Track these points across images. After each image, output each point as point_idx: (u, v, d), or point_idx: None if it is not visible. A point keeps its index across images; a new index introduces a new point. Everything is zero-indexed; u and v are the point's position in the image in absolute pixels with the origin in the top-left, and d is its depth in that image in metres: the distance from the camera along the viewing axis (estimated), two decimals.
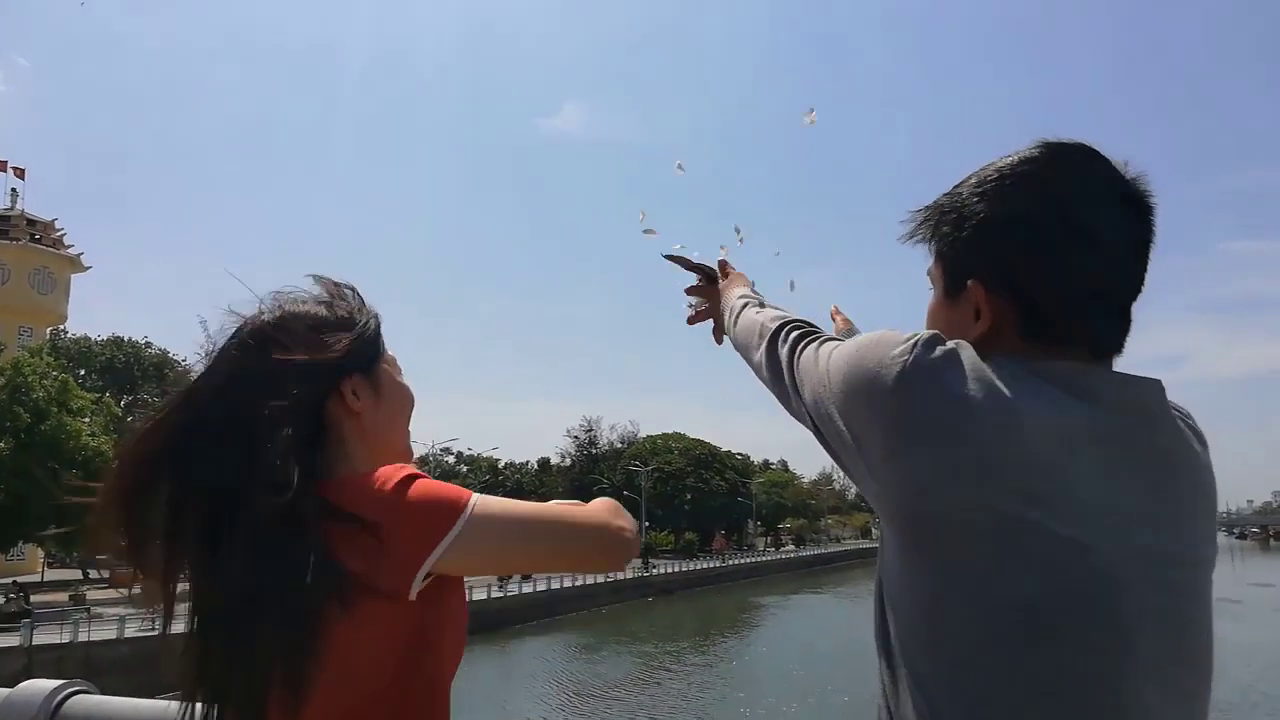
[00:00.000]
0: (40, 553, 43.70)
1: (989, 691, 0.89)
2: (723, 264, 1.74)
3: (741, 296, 1.52)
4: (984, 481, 0.89)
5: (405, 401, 1.26)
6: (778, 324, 1.28)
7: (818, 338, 1.18)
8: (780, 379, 1.21)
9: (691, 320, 1.77)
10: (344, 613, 0.99)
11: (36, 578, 40.63)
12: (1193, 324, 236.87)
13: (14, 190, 50.95)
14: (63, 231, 52.58)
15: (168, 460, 1.08)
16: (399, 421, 1.25)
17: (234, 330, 1.16)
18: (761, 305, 1.46)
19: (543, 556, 1.15)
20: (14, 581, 30.00)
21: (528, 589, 42.18)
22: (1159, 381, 0.99)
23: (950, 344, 0.97)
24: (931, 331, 0.99)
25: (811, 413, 1.10)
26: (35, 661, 22.06)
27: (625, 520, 1.18)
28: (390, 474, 1.06)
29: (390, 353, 1.26)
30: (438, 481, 1.07)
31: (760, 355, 1.29)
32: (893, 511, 0.97)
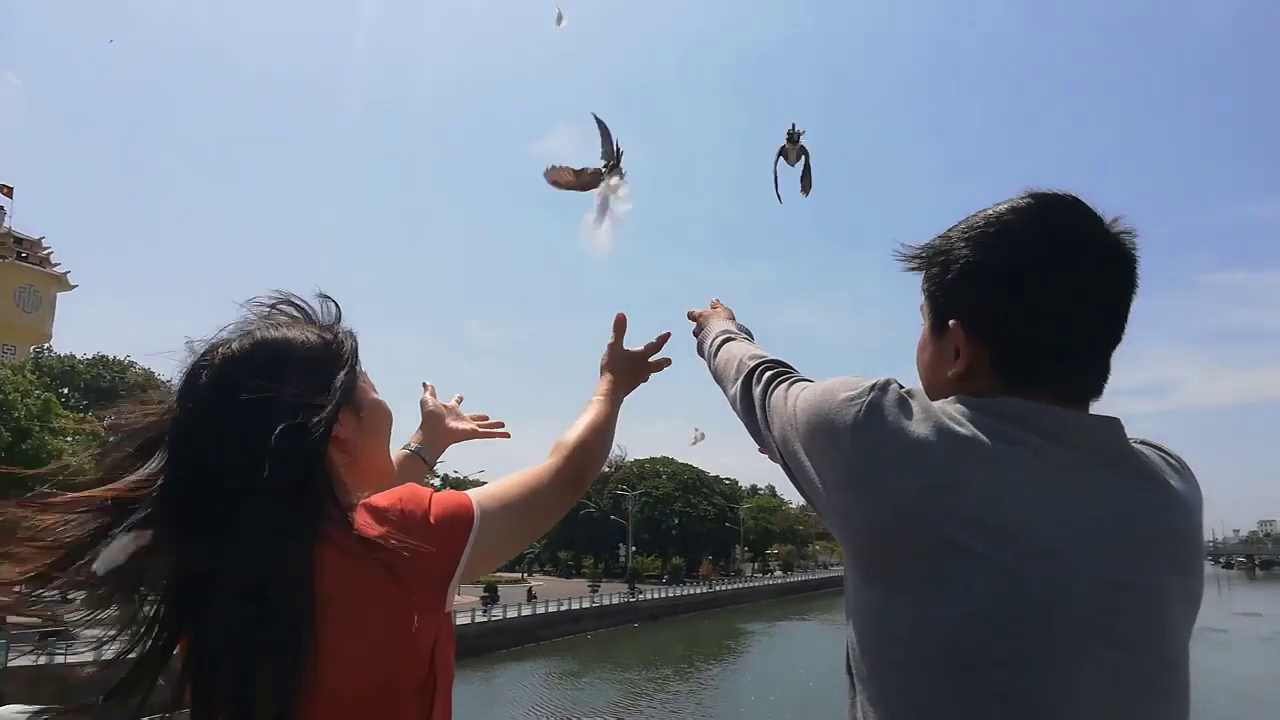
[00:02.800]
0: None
1: (931, 715, 0.94)
2: (714, 303, 1.79)
3: (724, 331, 1.60)
4: (930, 511, 0.95)
5: (385, 419, 1.25)
6: (755, 362, 1.35)
7: (789, 378, 1.26)
8: (752, 414, 1.29)
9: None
10: (388, 635, 1.02)
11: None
12: (1177, 354, 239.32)
13: (1, 208, 50.78)
14: (50, 250, 52.33)
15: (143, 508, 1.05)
16: (381, 441, 1.24)
17: (203, 360, 1.11)
18: (743, 340, 1.54)
19: (539, 524, 1.26)
20: None
21: (512, 614, 41.81)
22: (1116, 419, 1.03)
23: (904, 388, 1.05)
24: (887, 377, 1.06)
25: (779, 448, 1.18)
26: (8, 684, 21.68)
27: (574, 457, 1.34)
28: (404, 495, 1.09)
29: (362, 369, 1.23)
30: (443, 493, 1.13)
31: (736, 390, 1.37)
32: (850, 542, 1.05)
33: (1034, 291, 1.04)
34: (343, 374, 1.15)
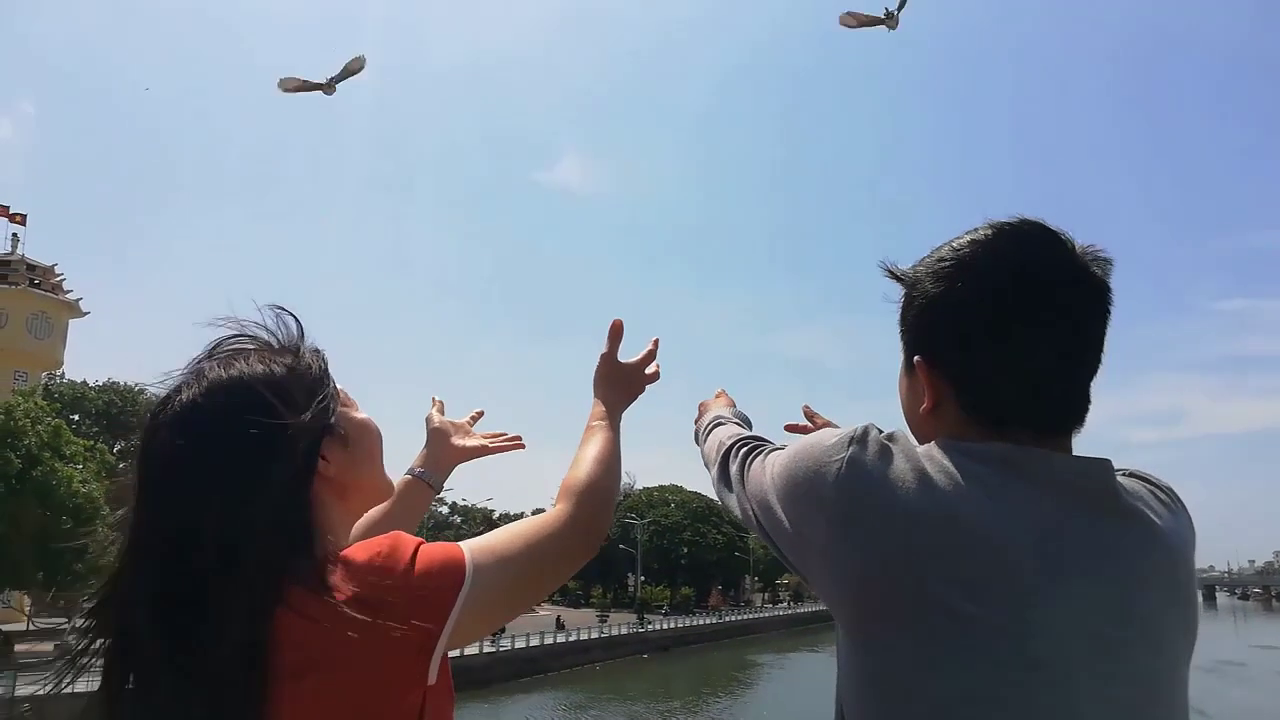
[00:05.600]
0: (27, 600, 43.03)
1: None
2: (719, 392, 1.74)
3: (715, 418, 1.57)
4: (916, 571, 0.92)
5: (373, 439, 1.13)
6: (733, 441, 1.34)
7: (764, 449, 1.24)
8: (731, 489, 1.27)
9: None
10: (358, 713, 0.91)
11: (23, 626, 39.98)
12: (1187, 382, 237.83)
13: (15, 235, 51.26)
14: (62, 277, 52.73)
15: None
16: (372, 463, 1.13)
17: (157, 417, 1.01)
18: (732, 425, 1.50)
19: (547, 581, 1.14)
20: None
21: (520, 644, 41.47)
22: (1106, 460, 0.99)
23: (884, 436, 1.01)
24: (865, 425, 1.03)
25: (760, 517, 1.14)
26: (16, 715, 21.56)
27: (589, 503, 1.21)
28: (384, 549, 0.97)
29: (340, 387, 1.11)
30: (431, 546, 1.00)
31: (716, 470, 1.36)
32: (836, 602, 1.01)
33: (992, 326, 1.00)
34: (315, 403, 1.03)
